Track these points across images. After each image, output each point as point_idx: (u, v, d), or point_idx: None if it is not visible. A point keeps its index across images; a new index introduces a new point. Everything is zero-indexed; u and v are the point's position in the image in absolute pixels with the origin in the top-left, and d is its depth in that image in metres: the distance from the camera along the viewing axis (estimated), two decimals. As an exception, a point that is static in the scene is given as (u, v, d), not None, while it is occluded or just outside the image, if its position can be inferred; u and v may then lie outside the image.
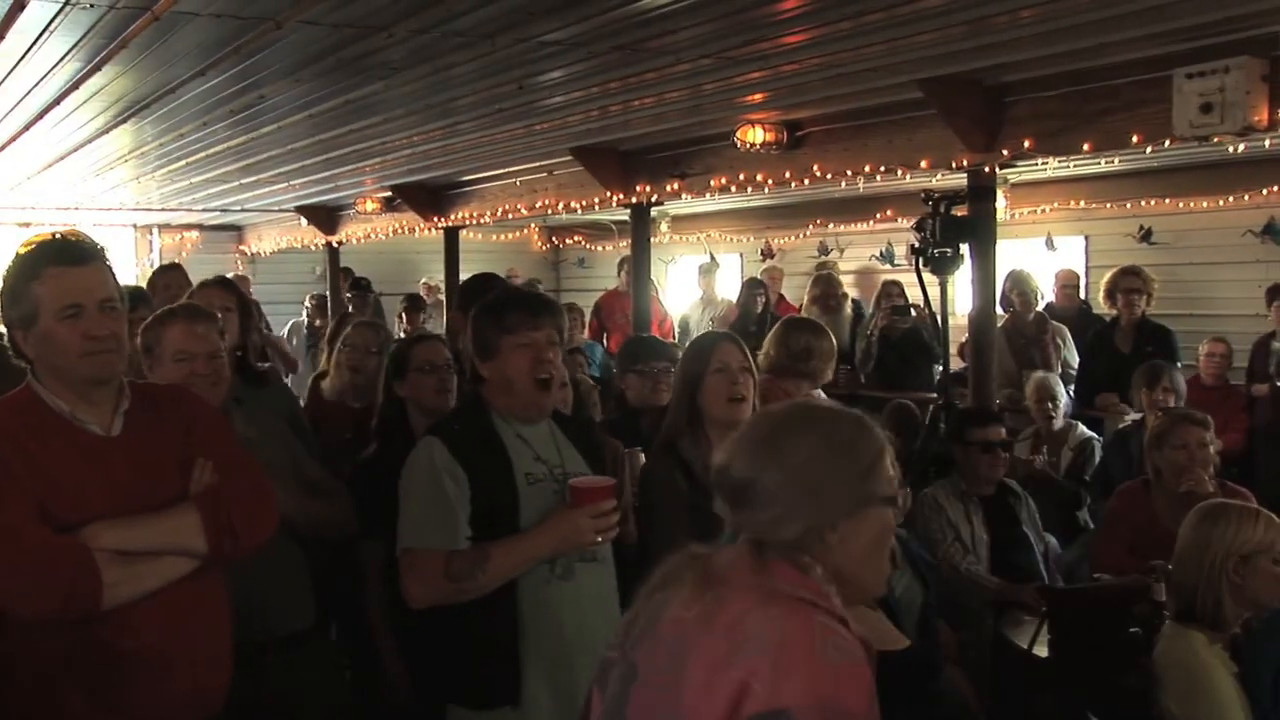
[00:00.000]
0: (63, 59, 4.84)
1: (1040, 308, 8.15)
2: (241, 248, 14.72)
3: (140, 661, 2.53)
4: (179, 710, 2.61)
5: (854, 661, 1.70)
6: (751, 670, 1.67)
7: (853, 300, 9.78)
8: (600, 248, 14.32)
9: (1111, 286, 7.65)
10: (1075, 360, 7.93)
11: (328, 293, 12.49)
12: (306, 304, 11.95)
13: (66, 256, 2.57)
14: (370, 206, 10.92)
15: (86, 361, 2.55)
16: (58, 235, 2.66)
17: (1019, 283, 8.04)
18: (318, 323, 11.47)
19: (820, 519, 1.84)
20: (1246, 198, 8.72)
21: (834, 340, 5.29)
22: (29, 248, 2.62)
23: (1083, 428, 6.90)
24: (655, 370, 4.74)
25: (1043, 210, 9.85)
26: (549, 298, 3.45)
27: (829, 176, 6.55)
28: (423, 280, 13.51)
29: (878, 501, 1.89)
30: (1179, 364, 7.23)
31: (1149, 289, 7.49)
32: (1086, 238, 10.12)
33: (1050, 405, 6.85)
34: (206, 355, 3.33)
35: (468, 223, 10.46)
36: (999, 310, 7.89)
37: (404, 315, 11.43)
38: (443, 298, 11.70)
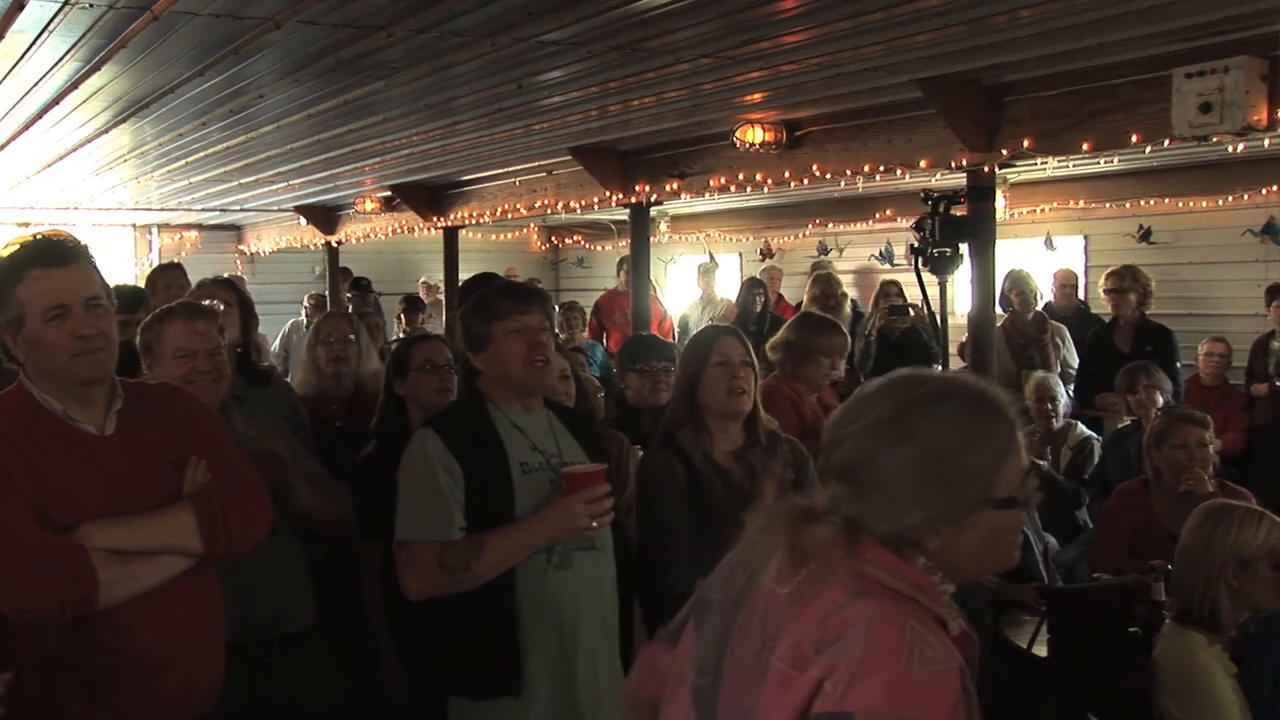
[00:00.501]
0: (62, 59, 4.84)
1: (1039, 307, 8.14)
2: (241, 247, 14.71)
3: (136, 660, 2.53)
4: (173, 707, 2.61)
5: (941, 673, 1.57)
6: (830, 669, 1.59)
7: (850, 300, 9.77)
8: (600, 247, 14.32)
9: (1105, 288, 7.67)
10: (1075, 360, 7.93)
11: (327, 292, 12.48)
12: (305, 304, 11.92)
13: (49, 258, 2.55)
14: (369, 206, 10.92)
15: (77, 362, 2.54)
16: (39, 236, 2.64)
17: (1018, 282, 8.04)
18: (318, 322, 11.45)
19: (918, 523, 1.70)
20: (1246, 197, 8.72)
21: (846, 336, 5.34)
22: (10, 251, 2.60)
23: (1082, 427, 6.89)
24: (655, 369, 4.74)
25: (1042, 210, 9.85)
26: (535, 286, 3.48)
27: (828, 176, 6.55)
28: (421, 280, 13.51)
29: (991, 505, 1.71)
30: (1179, 363, 7.23)
31: (1135, 288, 7.43)
32: (1086, 237, 10.12)
33: (1050, 405, 6.85)
34: (207, 352, 3.33)
35: (467, 222, 10.46)
36: (999, 310, 7.91)
37: (402, 316, 11.42)
38: (441, 297, 11.69)
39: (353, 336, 5.02)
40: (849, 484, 1.76)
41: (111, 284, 2.71)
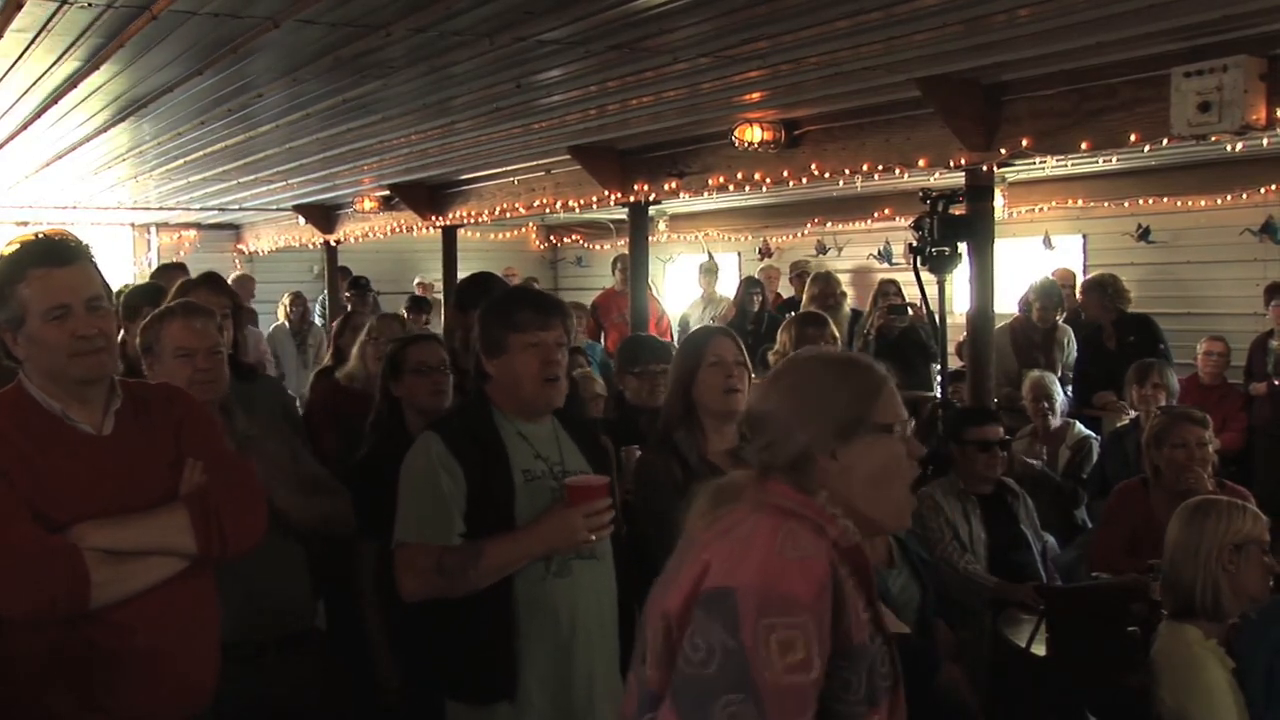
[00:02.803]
0: (60, 58, 4.84)
1: (1061, 319, 8.07)
2: (239, 247, 14.71)
3: (129, 660, 2.53)
4: (166, 708, 2.61)
5: (807, 558, 1.83)
6: (714, 554, 1.88)
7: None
8: (598, 246, 14.33)
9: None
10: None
11: (326, 291, 12.44)
12: (284, 303, 11.34)
13: (51, 257, 2.55)
14: (368, 205, 10.91)
15: (76, 362, 2.54)
16: (41, 235, 2.64)
17: (1043, 294, 7.95)
18: (320, 320, 11.41)
19: (812, 442, 1.95)
20: (1244, 196, 8.72)
21: (834, 328, 5.40)
22: (12, 250, 2.60)
23: (1080, 426, 6.90)
24: (653, 372, 4.74)
25: (1040, 209, 9.85)
26: (558, 298, 3.44)
27: (827, 175, 6.56)
28: (416, 279, 13.49)
29: (871, 428, 1.96)
30: (1164, 345, 7.27)
31: (1094, 292, 7.54)
32: (1084, 236, 10.12)
33: (1046, 404, 6.85)
34: (207, 350, 3.32)
35: (466, 222, 10.46)
36: (1016, 310, 7.93)
37: (406, 315, 11.36)
38: (439, 296, 11.66)
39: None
40: (753, 434, 2.04)
41: (129, 285, 2.71)
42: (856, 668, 1.86)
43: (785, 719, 1.76)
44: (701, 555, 1.89)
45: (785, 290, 11.46)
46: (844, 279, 9.91)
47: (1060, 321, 8.00)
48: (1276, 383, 7.52)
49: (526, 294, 3.39)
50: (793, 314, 7.02)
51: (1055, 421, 6.83)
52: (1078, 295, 8.78)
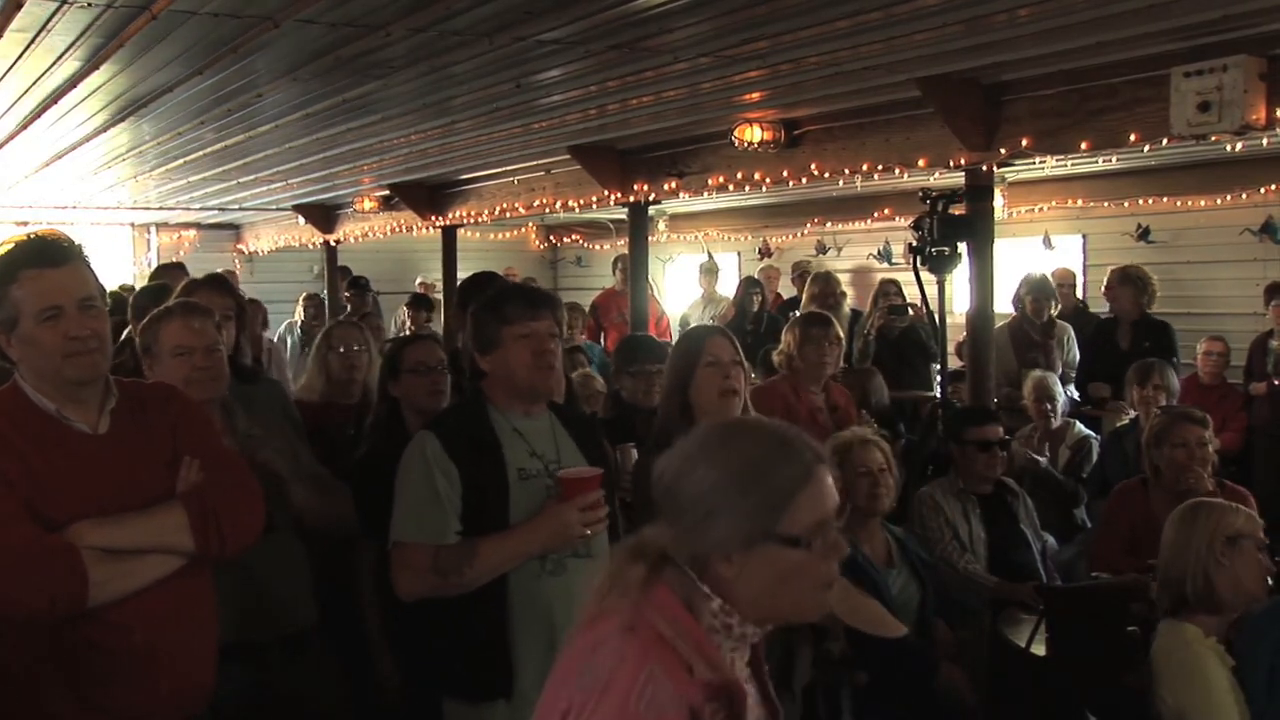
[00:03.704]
0: (60, 58, 4.84)
1: (1054, 312, 8.05)
2: (239, 246, 14.72)
3: (127, 659, 2.53)
4: (164, 708, 2.61)
5: (661, 713, 1.68)
6: (572, 702, 1.74)
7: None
8: (598, 246, 14.33)
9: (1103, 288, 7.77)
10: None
11: (325, 291, 12.45)
12: (300, 304, 11.49)
13: (43, 258, 2.55)
14: (368, 205, 10.92)
15: (70, 363, 2.54)
16: (33, 236, 2.63)
17: (1034, 288, 7.90)
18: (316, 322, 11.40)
19: (709, 547, 1.78)
20: (1244, 196, 8.73)
21: (838, 327, 5.42)
22: (5, 250, 2.59)
23: (1080, 426, 6.90)
24: (649, 372, 4.74)
25: (1040, 209, 9.86)
26: (547, 290, 3.45)
27: (827, 175, 6.56)
28: (418, 279, 13.49)
29: (775, 540, 1.76)
30: (1176, 357, 7.25)
31: (1129, 286, 7.45)
32: (1084, 236, 10.13)
33: (1049, 405, 6.85)
34: (205, 349, 3.32)
35: (465, 221, 10.47)
36: (1012, 309, 7.92)
37: (407, 313, 11.36)
38: (439, 296, 11.67)
39: (364, 345, 4.99)
40: (666, 510, 1.84)
41: (127, 286, 2.71)
42: None
43: None
44: (562, 690, 1.78)
45: (786, 290, 11.47)
46: (844, 279, 9.90)
47: (1059, 320, 7.99)
48: (1276, 383, 7.52)
49: (515, 288, 3.40)
50: (796, 314, 7.01)
51: (1056, 422, 6.83)
52: (1077, 293, 8.76)
